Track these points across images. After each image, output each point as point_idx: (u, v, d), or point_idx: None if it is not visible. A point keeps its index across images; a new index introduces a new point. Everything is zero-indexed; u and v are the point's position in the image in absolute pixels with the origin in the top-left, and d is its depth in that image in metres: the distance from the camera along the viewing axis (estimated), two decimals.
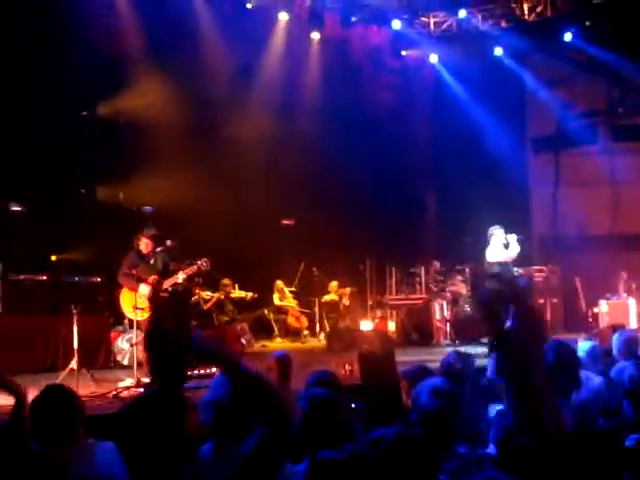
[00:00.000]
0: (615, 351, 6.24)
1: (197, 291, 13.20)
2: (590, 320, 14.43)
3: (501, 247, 11.80)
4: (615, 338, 6.35)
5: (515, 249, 11.79)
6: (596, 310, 14.30)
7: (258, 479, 3.06)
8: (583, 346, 6.07)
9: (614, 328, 8.80)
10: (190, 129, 13.60)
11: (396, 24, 15.87)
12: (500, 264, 11.79)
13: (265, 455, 3.06)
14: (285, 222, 15.17)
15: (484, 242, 12.18)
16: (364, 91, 16.42)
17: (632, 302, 13.66)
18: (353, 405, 4.41)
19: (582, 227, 17.05)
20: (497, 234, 11.85)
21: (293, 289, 15.60)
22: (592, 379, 4.51)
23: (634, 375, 5.07)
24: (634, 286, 14.33)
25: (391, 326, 14.08)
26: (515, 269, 11.99)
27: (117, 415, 3.23)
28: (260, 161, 14.58)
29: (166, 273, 9.31)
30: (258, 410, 3.14)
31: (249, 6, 14.57)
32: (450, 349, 6.33)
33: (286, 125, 15.06)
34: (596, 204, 17.21)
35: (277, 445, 3.08)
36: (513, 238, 11.80)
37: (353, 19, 15.66)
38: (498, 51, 16.85)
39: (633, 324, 12.90)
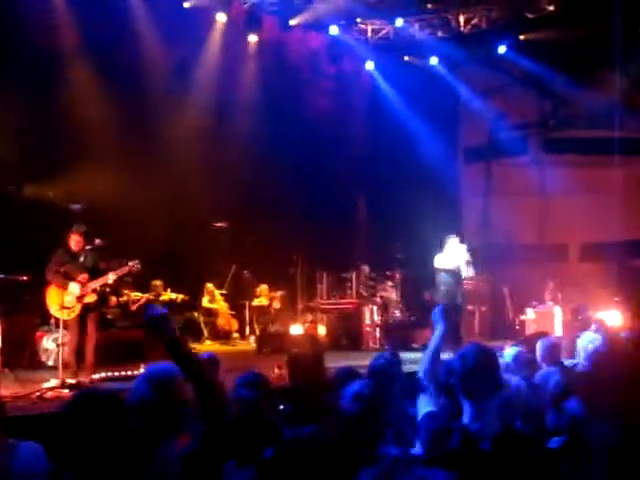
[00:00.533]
0: (539, 357, 6.38)
1: (126, 291, 13.04)
2: (517, 328, 14.70)
3: (451, 255, 12.34)
4: (539, 345, 6.49)
5: (462, 258, 12.35)
6: (523, 318, 14.58)
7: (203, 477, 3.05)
8: (509, 352, 6.18)
9: (539, 335, 9.00)
10: (125, 128, 13.40)
11: (334, 30, 15.93)
12: (446, 271, 12.32)
13: (208, 451, 3.04)
14: (217, 225, 15.05)
15: (417, 249, 12.54)
16: (301, 95, 16.42)
17: (557, 310, 13.95)
18: (282, 407, 4.40)
19: (511, 236, 17.35)
20: (451, 242, 12.44)
21: (223, 292, 15.51)
22: (514, 383, 4.60)
23: (559, 381, 5.18)
24: (560, 295, 14.64)
25: (321, 330, 14.10)
26: (463, 276, 12.58)
27: (56, 414, 3.17)
28: (194, 163, 14.45)
29: (95, 272, 9.20)
30: (198, 403, 3.12)
31: (187, 5, 14.45)
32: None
33: (222, 126, 15.01)
34: (525, 214, 17.56)
35: (217, 440, 3.06)
36: (463, 248, 12.41)
37: (291, 23, 15.64)
38: (434, 60, 17.07)
39: (558, 332, 13.17)
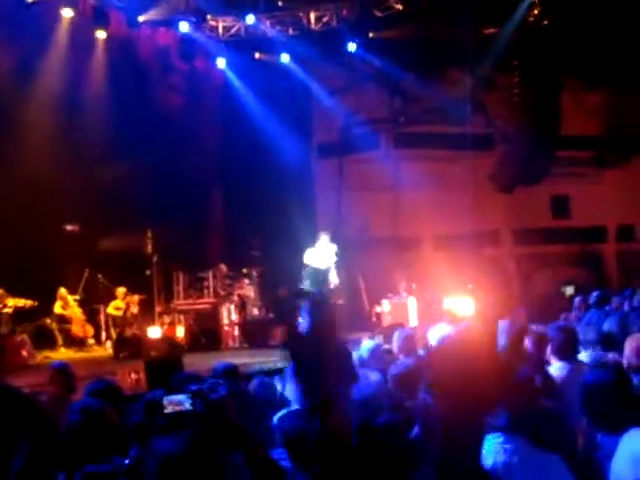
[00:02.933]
0: (396, 349, 6.51)
1: None
2: (374, 320, 14.95)
3: (321, 252, 12.51)
4: (395, 336, 6.61)
5: (330, 257, 12.54)
6: (379, 310, 14.84)
7: None
8: (366, 346, 6.27)
9: (396, 327, 9.20)
10: None
11: (184, 27, 15.67)
12: (314, 267, 12.47)
13: (35, 470, 2.91)
14: (69, 228, 14.55)
15: (273, 245, 12.53)
16: (153, 92, 16.15)
17: (412, 301, 14.28)
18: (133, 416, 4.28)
19: (365, 230, 17.67)
20: (322, 239, 12.61)
21: (77, 297, 15.00)
22: (370, 376, 4.65)
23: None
24: (414, 286, 14.99)
25: (180, 332, 13.92)
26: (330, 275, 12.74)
27: None
28: (43, 164, 13.94)
29: None
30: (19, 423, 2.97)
31: (30, 0, 13.87)
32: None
33: (71, 125, 14.54)
34: (379, 208, 17.92)
35: (46, 457, 2.92)
36: (333, 247, 12.60)
37: (140, 19, 15.27)
38: (285, 58, 17.11)
39: (413, 322, 13.49)
